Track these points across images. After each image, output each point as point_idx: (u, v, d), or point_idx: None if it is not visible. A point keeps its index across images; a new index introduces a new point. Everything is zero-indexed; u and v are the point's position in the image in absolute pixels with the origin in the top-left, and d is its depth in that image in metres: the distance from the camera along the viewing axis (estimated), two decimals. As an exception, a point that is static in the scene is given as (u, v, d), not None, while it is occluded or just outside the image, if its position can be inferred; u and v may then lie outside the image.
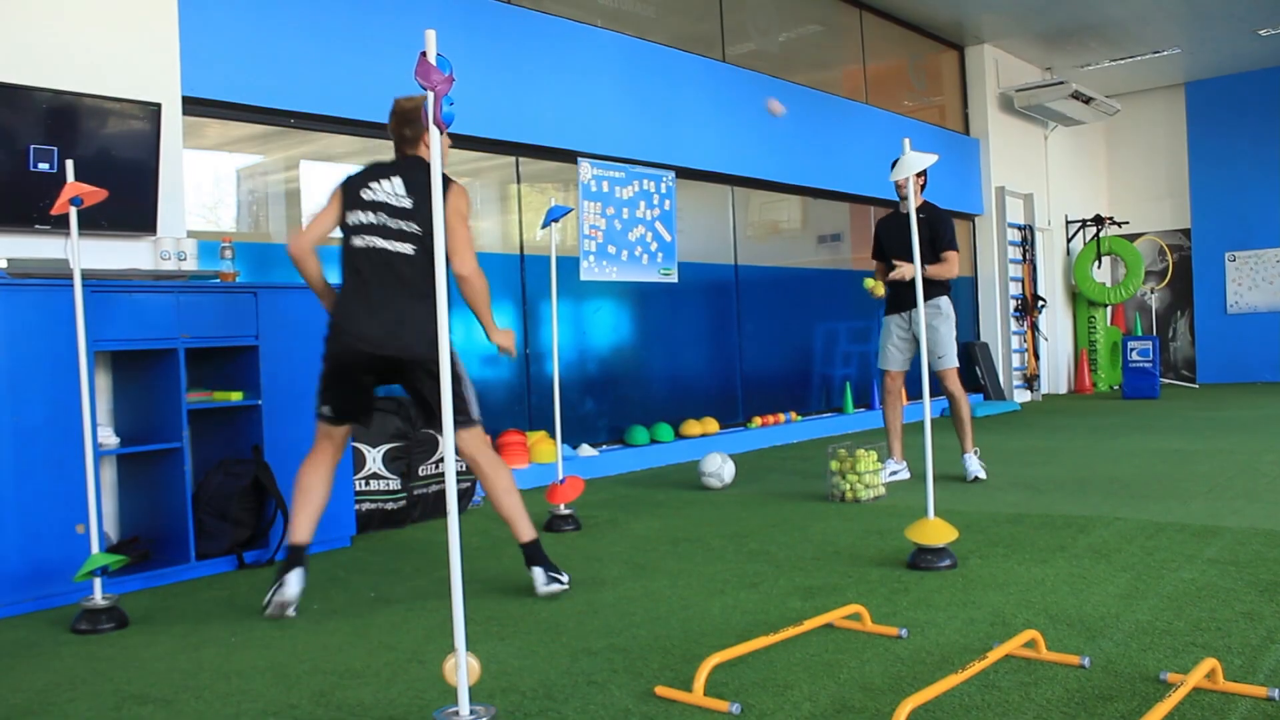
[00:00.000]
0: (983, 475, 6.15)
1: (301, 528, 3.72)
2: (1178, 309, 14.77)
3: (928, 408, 4.14)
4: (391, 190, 3.70)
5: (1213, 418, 9.46)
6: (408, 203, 3.66)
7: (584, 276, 7.36)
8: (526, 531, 3.77)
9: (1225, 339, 14.20)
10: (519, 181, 7.16)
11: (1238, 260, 14.12)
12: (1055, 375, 13.77)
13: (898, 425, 6.43)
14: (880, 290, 6.18)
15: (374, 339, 3.63)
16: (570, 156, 7.29)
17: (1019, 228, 12.79)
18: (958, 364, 6.27)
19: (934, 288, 6.16)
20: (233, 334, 4.51)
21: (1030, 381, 12.70)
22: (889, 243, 6.34)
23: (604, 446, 7.48)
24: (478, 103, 6.41)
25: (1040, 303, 12.87)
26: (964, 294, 12.36)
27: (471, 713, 2.29)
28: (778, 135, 9.11)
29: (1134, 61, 13.01)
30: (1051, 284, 13.75)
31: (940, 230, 6.19)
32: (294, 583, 3.59)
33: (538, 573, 3.72)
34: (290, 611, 3.58)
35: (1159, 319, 14.76)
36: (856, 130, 10.18)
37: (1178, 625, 3.07)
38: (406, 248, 3.64)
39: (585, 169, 7.34)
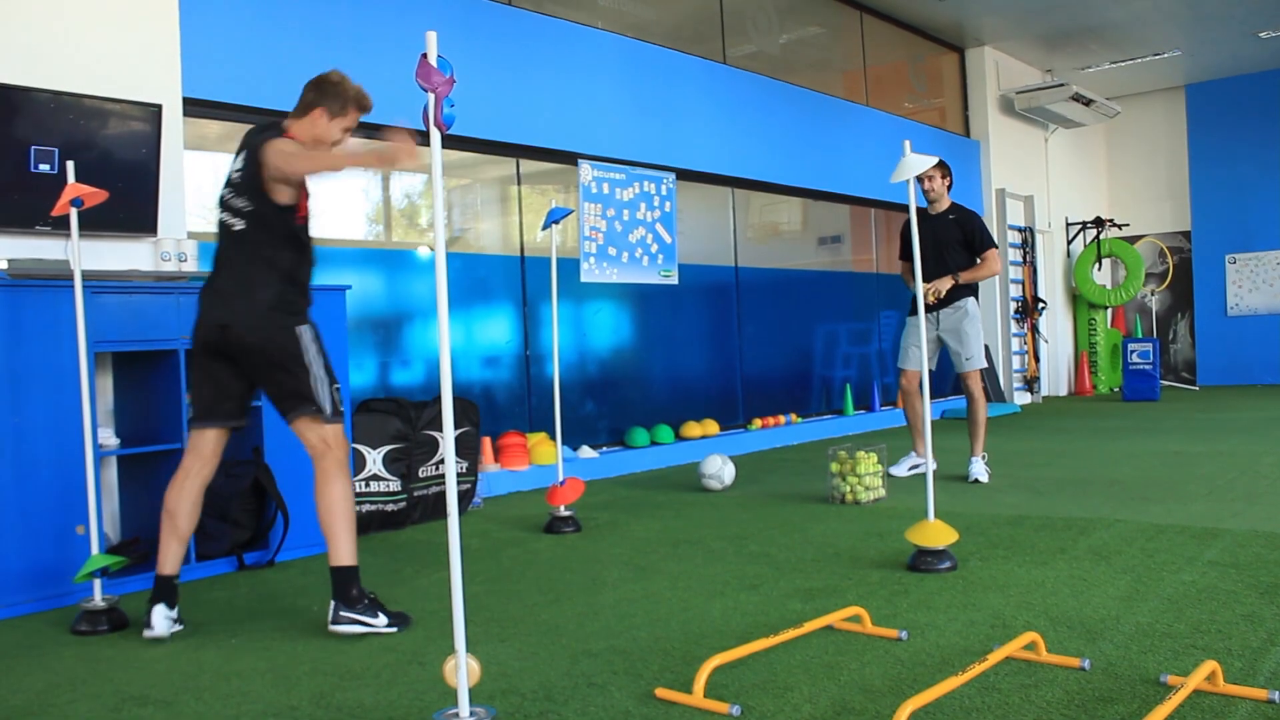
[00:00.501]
0: (984, 479, 6.14)
1: (169, 556, 3.50)
2: (1178, 311, 14.77)
3: (928, 410, 4.14)
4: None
5: (1213, 420, 9.45)
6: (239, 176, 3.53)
7: (584, 278, 7.37)
8: (337, 556, 3.38)
9: (1225, 341, 14.21)
10: (519, 183, 7.17)
11: (1238, 262, 14.12)
12: (1055, 377, 13.77)
13: (918, 422, 6.40)
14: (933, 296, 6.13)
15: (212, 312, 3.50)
16: (571, 158, 7.30)
17: (1019, 230, 12.80)
18: (985, 365, 6.27)
19: (962, 289, 6.19)
20: (233, 335, 4.50)
21: (1030, 384, 12.70)
22: (923, 241, 6.30)
23: (604, 448, 7.48)
24: (478, 104, 6.42)
25: (1040, 305, 12.87)
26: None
27: (471, 714, 2.29)
28: (778, 137, 9.12)
29: (1134, 64, 13.02)
30: (1052, 286, 13.75)
31: (975, 230, 6.21)
32: (159, 621, 3.37)
33: (334, 605, 3.35)
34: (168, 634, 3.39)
35: (1159, 321, 14.76)
36: (857, 132, 10.18)
37: (1178, 627, 3.06)
38: (240, 224, 3.50)
39: (586, 171, 7.35)
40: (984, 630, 3.12)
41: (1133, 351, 12.29)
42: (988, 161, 12.34)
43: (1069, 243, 14.19)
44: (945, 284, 6.03)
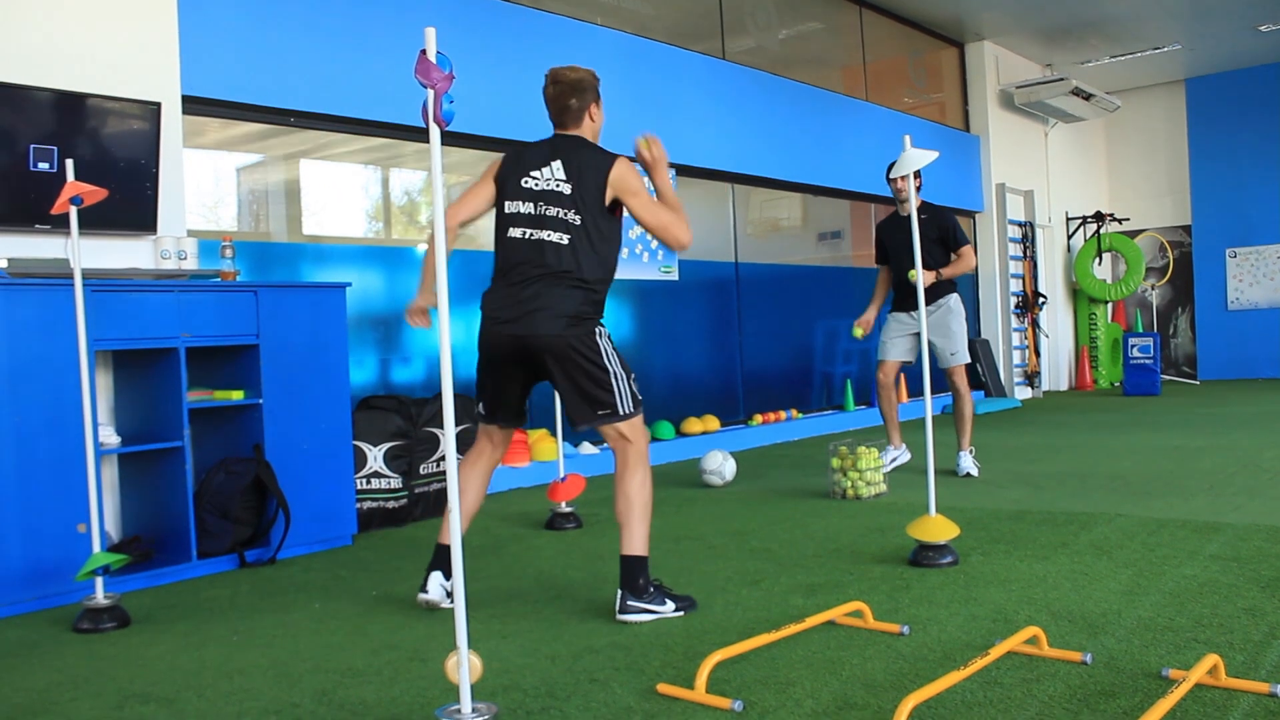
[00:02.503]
0: (975, 473, 6.17)
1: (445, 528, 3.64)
2: (1178, 305, 14.77)
3: (929, 404, 4.14)
4: (551, 176, 3.50)
5: (1214, 414, 9.45)
6: (566, 189, 3.46)
7: (584, 274, 7.35)
8: (629, 545, 3.42)
9: (1226, 335, 14.20)
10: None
11: (1239, 256, 14.11)
12: (1056, 372, 13.77)
13: (893, 414, 6.55)
14: (861, 333, 6.34)
15: (509, 319, 3.47)
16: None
17: (1019, 224, 12.79)
18: (968, 360, 6.29)
19: (942, 285, 6.22)
20: (233, 333, 4.51)
21: (1031, 378, 12.70)
22: (892, 244, 6.35)
23: (605, 444, 7.47)
24: (477, 101, 6.41)
25: (1041, 299, 12.86)
26: (965, 291, 12.32)
27: (474, 711, 2.29)
28: (778, 133, 9.11)
29: (1134, 58, 13.00)
30: (1052, 281, 13.74)
31: (949, 227, 6.25)
32: (434, 588, 3.53)
33: (621, 594, 3.38)
34: (442, 603, 3.53)
35: (1160, 315, 14.75)
36: (857, 127, 10.18)
37: (1180, 621, 3.06)
38: (560, 236, 3.44)
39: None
40: (986, 625, 3.12)
41: (1133, 346, 12.28)
42: (988, 156, 12.32)
43: (1069, 237, 14.19)
44: (930, 277, 6.06)
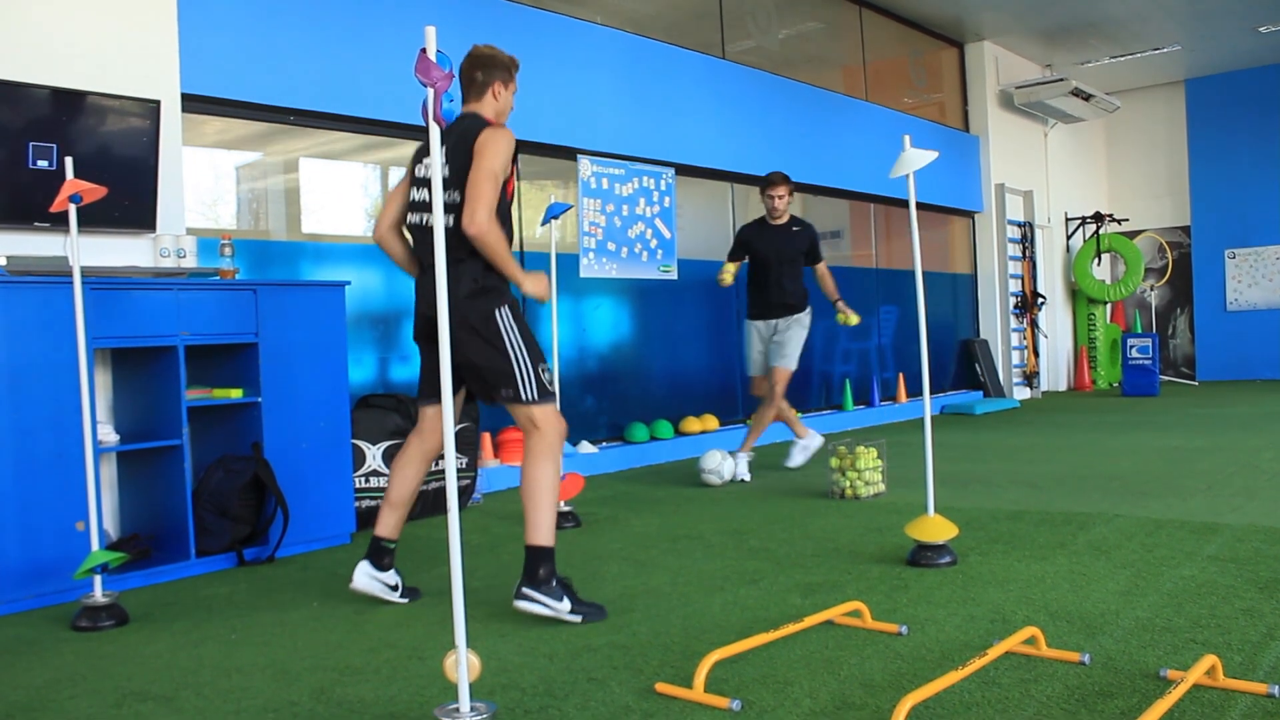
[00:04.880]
0: (747, 478, 6.40)
1: (381, 520, 3.72)
2: (1177, 306, 14.77)
3: (928, 405, 4.14)
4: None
5: (1212, 415, 9.45)
6: (446, 170, 3.45)
7: (584, 274, 7.36)
8: (532, 533, 3.42)
9: (1225, 336, 14.20)
10: (518, 179, 7.15)
11: (1237, 257, 14.11)
12: (1055, 372, 13.77)
13: (788, 411, 6.77)
14: (729, 279, 6.58)
15: (423, 300, 3.60)
16: (570, 154, 7.29)
17: (1019, 225, 12.79)
18: (795, 369, 6.60)
19: (805, 300, 6.65)
20: (232, 331, 4.51)
21: (1030, 379, 12.70)
22: (767, 251, 6.62)
23: (604, 443, 7.48)
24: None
25: (1040, 300, 12.86)
26: (964, 291, 12.36)
27: (472, 709, 2.29)
28: (777, 132, 9.11)
29: (1134, 59, 13.00)
30: (1051, 281, 13.74)
31: (816, 242, 6.71)
32: (359, 574, 3.65)
33: (520, 583, 3.39)
34: (378, 593, 3.67)
35: (1158, 316, 14.75)
36: (856, 127, 10.18)
37: (1178, 622, 3.07)
38: (447, 219, 3.42)
39: (585, 166, 7.34)
40: (984, 625, 3.12)
41: (1132, 347, 12.29)
42: (987, 156, 12.33)
43: (1068, 238, 14.19)
44: (855, 317, 6.68)
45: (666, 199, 8.01)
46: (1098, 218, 13.88)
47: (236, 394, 4.55)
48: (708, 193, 8.71)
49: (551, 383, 3.53)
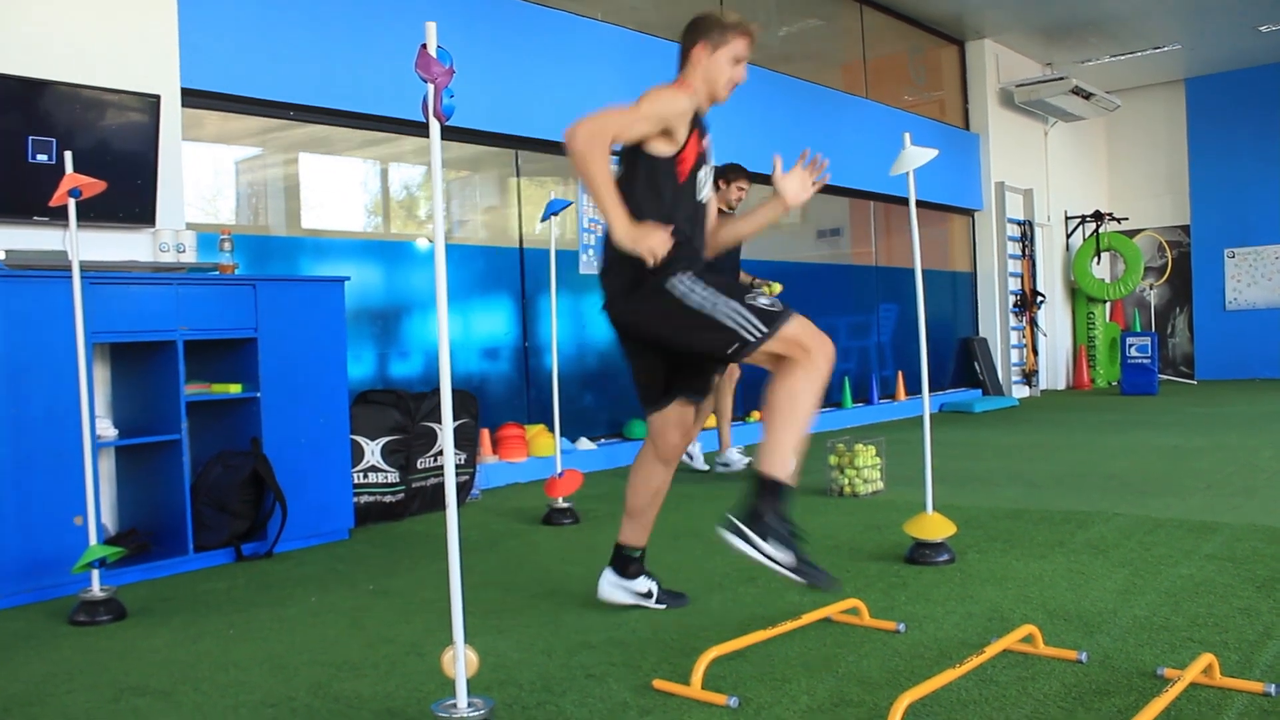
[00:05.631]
0: (743, 463, 6.49)
1: (623, 528, 3.45)
2: (1176, 305, 14.77)
3: (927, 403, 4.13)
4: None
5: (1211, 414, 9.46)
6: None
7: (583, 270, 7.36)
8: (765, 462, 2.91)
9: (1224, 335, 14.20)
10: (518, 175, 7.16)
11: (1237, 257, 14.11)
12: (1054, 371, 13.77)
13: (727, 411, 6.78)
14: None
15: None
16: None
17: (1018, 223, 12.79)
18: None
19: None
20: (231, 326, 4.51)
21: (1029, 377, 12.70)
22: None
23: (603, 440, 7.48)
24: (477, 96, 6.41)
25: (1039, 298, 12.86)
26: (963, 289, 12.36)
27: (469, 705, 2.29)
28: (778, 129, 9.11)
29: (1134, 57, 13.00)
30: (1051, 280, 13.74)
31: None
32: (602, 583, 3.44)
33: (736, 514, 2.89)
34: (629, 601, 3.41)
35: (1158, 315, 14.75)
36: (856, 124, 10.17)
37: (1175, 621, 3.07)
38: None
39: (585, 162, 7.33)
40: (981, 623, 3.12)
41: (1131, 345, 12.28)
42: (987, 154, 12.32)
43: (1068, 236, 14.19)
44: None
45: (666, 196, 7.99)
46: (1097, 216, 13.87)
47: (235, 389, 4.55)
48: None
49: (774, 303, 2.98)
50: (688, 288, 2.99)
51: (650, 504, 3.42)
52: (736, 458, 6.63)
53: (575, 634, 3.17)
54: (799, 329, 2.95)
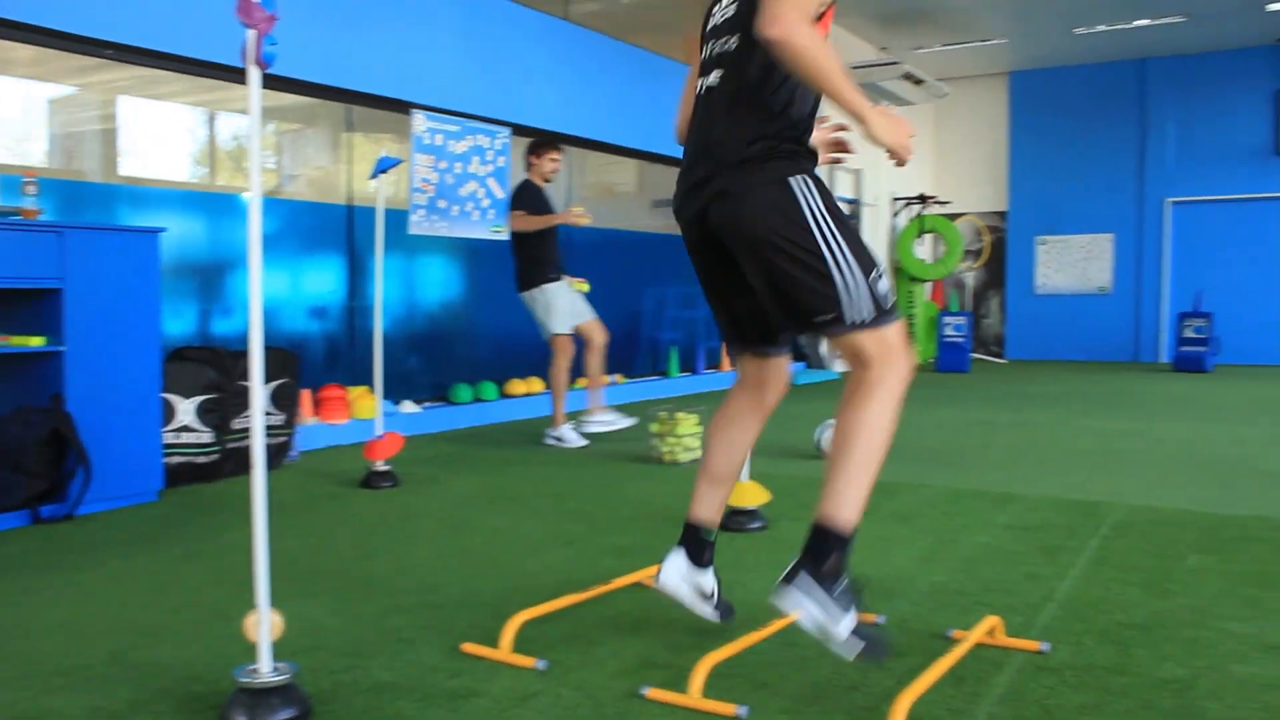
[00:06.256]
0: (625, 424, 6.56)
1: (698, 500, 2.82)
2: (991, 288, 15.47)
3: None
4: (721, 8, 2.61)
5: (1018, 392, 9.96)
6: (731, 10, 2.54)
7: (413, 230, 7.22)
8: (832, 506, 2.51)
9: (1033, 318, 14.98)
10: (350, 129, 6.98)
11: (1047, 244, 14.87)
12: (876, 347, 14.21)
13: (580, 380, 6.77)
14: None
15: (686, 197, 2.58)
16: (404, 107, 7.13)
17: (848, 202, 13.15)
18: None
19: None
20: (32, 275, 4.26)
21: (852, 352, 13.08)
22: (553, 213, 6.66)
23: (428, 404, 7.40)
24: (308, 46, 6.21)
25: (865, 276, 13.25)
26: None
27: (273, 670, 2.25)
28: (617, 97, 9.12)
29: (963, 48, 13.49)
30: (876, 258, 14.17)
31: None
32: (671, 571, 2.70)
33: (795, 566, 2.40)
34: (689, 601, 2.73)
35: (974, 296, 15.43)
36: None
37: (969, 586, 3.24)
38: (720, 72, 2.53)
39: (419, 121, 7.19)
40: (788, 588, 3.22)
41: (947, 325, 12.83)
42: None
43: (894, 217, 14.67)
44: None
45: (500, 159, 7.91)
46: (922, 199, 14.39)
47: (37, 342, 4.31)
48: (544, 155, 8.63)
49: (891, 293, 2.47)
50: (813, 204, 2.40)
51: (739, 468, 2.88)
52: (572, 434, 6.53)
53: (387, 597, 3.14)
54: (899, 335, 2.43)
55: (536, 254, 6.51)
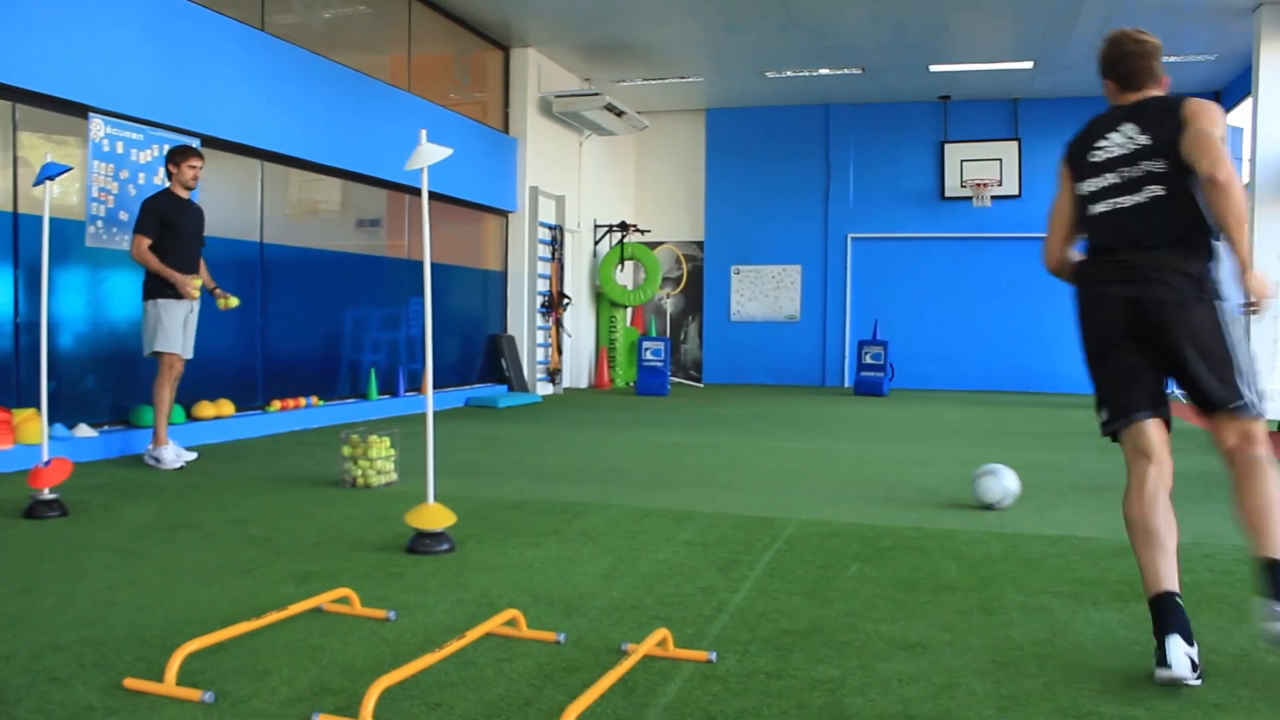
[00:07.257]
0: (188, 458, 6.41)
1: (1158, 572, 2.85)
2: (689, 314, 16.12)
3: (430, 397, 4.23)
4: (1122, 140, 3.03)
5: (711, 414, 10.41)
6: (1144, 139, 2.98)
7: (90, 243, 6.79)
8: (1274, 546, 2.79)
9: (728, 343, 15.74)
10: (15, 130, 6.46)
11: (741, 273, 15.66)
12: (577, 370, 14.52)
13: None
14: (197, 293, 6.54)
15: (1123, 282, 2.97)
16: (81, 110, 6.69)
17: (550, 227, 13.36)
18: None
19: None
20: None
21: (553, 375, 13.32)
22: (191, 226, 6.52)
23: (105, 427, 6.95)
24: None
25: (566, 300, 13.51)
26: (494, 287, 12.71)
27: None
28: (317, 113, 8.91)
29: (664, 83, 14.04)
30: (578, 283, 14.47)
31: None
32: (1179, 654, 2.67)
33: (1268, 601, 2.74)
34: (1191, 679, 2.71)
35: (673, 322, 16.02)
36: (398, 118, 10.16)
37: (646, 601, 3.37)
38: (1153, 190, 2.95)
39: (98, 126, 6.77)
40: (471, 609, 3.25)
41: (647, 349, 13.26)
42: (524, 159, 12.75)
43: (596, 243, 15.02)
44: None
45: (190, 171, 7.56)
46: (623, 227, 14.82)
47: None
48: (234, 168, 8.32)
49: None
50: (1229, 320, 2.93)
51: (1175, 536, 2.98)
52: (172, 455, 6.30)
53: (43, 635, 2.94)
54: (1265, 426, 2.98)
55: (165, 266, 6.30)
